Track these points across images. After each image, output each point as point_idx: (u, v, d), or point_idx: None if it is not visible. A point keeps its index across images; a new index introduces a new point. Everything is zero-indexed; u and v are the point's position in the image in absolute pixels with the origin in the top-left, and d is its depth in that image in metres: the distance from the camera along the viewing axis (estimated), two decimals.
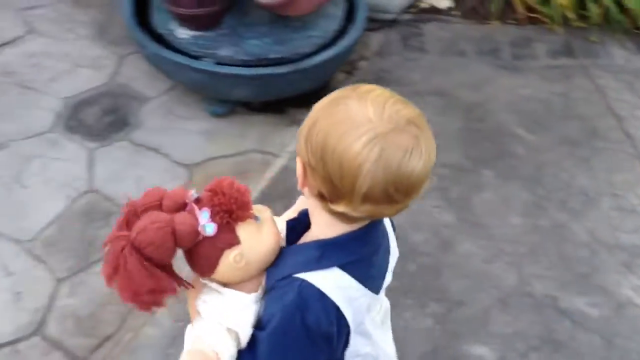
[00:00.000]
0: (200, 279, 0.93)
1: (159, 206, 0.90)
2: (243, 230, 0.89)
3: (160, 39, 2.20)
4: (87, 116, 2.27)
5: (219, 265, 0.89)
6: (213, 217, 0.88)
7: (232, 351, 0.89)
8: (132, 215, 0.88)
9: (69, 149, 2.16)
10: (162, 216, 0.87)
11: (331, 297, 0.86)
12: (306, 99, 2.29)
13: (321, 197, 0.83)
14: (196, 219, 0.88)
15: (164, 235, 0.85)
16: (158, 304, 0.87)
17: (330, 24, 2.22)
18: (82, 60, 2.45)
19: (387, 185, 0.79)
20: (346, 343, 0.92)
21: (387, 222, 0.97)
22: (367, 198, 0.80)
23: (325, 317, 0.86)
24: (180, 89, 2.33)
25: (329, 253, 0.88)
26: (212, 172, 2.07)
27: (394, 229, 1.00)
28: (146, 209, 0.89)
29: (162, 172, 2.10)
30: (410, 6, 2.79)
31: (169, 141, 2.19)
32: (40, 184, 2.03)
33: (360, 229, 0.88)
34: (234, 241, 0.89)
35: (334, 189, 0.81)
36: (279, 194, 2.00)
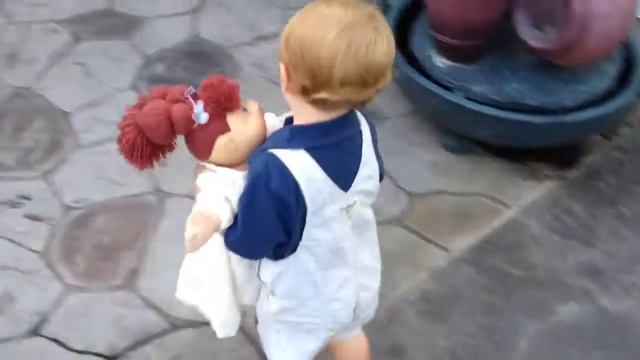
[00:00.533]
0: (200, 162, 1.15)
1: (163, 99, 1.11)
2: (232, 120, 1.11)
3: (413, 62, 2.14)
4: None
5: (214, 149, 1.11)
6: (206, 108, 1.10)
7: (229, 214, 1.09)
8: (142, 103, 1.12)
9: None
10: (162, 104, 1.10)
11: (292, 172, 1.04)
12: (552, 154, 2.15)
13: (304, 90, 1.02)
14: (192, 109, 1.09)
15: (160, 120, 1.08)
16: (146, 167, 1.14)
17: (600, 81, 2.09)
18: None
19: (359, 69, 0.98)
20: (303, 222, 1.10)
21: (368, 132, 1.15)
22: (344, 82, 0.99)
23: (284, 186, 1.05)
24: (419, 115, 2.33)
25: (297, 136, 1.07)
26: (434, 206, 2.10)
27: (380, 159, 1.20)
28: (152, 99, 1.12)
29: (385, 194, 2.07)
30: None
31: (396, 164, 2.21)
32: None
33: (327, 121, 1.06)
34: (225, 128, 1.10)
35: (315, 80, 1.00)
36: (502, 247, 1.94)
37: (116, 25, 2.66)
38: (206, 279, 1.20)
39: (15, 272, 1.83)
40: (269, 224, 1.09)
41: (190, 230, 1.07)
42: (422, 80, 2.11)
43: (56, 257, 1.86)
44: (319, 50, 0.98)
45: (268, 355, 1.35)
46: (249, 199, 1.08)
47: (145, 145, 1.11)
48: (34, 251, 1.87)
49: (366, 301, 1.28)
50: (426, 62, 2.20)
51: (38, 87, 2.39)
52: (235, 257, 1.18)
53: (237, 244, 1.13)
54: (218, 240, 1.14)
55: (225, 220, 1.09)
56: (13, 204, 1.98)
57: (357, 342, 1.44)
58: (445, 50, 2.15)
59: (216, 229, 1.10)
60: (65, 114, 2.28)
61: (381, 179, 1.23)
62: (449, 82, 2.12)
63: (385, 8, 2.50)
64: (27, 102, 2.34)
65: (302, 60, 1.00)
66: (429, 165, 2.24)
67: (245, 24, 2.71)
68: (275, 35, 2.65)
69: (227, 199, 1.09)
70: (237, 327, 1.27)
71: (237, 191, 1.10)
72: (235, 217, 1.11)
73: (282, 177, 1.04)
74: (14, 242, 1.89)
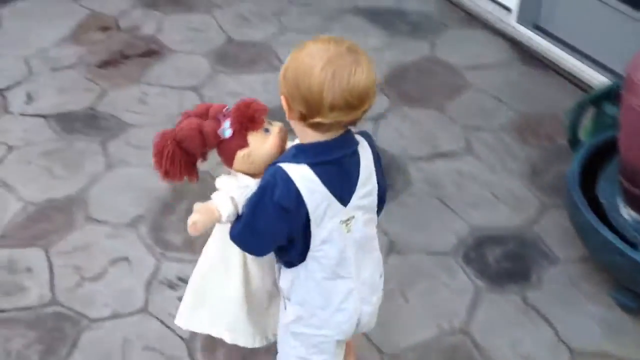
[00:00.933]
0: (227, 168, 1.39)
1: (205, 115, 1.37)
2: (252, 138, 1.34)
3: (596, 207, 1.98)
4: (488, 253, 2.20)
5: (235, 160, 1.35)
6: (232, 126, 1.33)
7: (230, 210, 1.30)
8: (184, 119, 1.39)
9: (459, 280, 2.13)
10: (196, 121, 1.35)
11: (295, 182, 1.23)
12: None
13: (302, 117, 1.22)
14: (219, 126, 1.34)
15: (194, 134, 1.33)
16: (178, 180, 1.39)
17: None
18: (504, 195, 2.42)
19: (343, 94, 1.17)
20: (307, 234, 1.29)
21: (368, 153, 1.33)
22: (332, 107, 1.18)
23: (287, 195, 1.23)
24: (592, 264, 2.12)
25: (301, 153, 1.27)
26: None
27: (378, 159, 1.37)
28: (194, 115, 1.38)
29: (543, 345, 1.95)
30: None
31: (562, 315, 2.06)
32: (420, 303, 2.12)
33: (326, 141, 1.25)
34: (244, 144, 1.33)
35: (309, 107, 1.19)
36: None
37: None
38: (211, 289, 1.49)
39: (157, 354, 1.88)
40: (267, 226, 1.28)
41: (192, 218, 1.30)
42: (605, 231, 1.93)
43: (199, 348, 1.89)
44: (309, 81, 1.18)
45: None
46: (254, 202, 1.29)
47: (182, 156, 1.35)
48: (180, 337, 1.91)
49: (367, 314, 1.45)
50: (611, 211, 2.02)
51: None
52: (259, 273, 1.46)
53: (238, 237, 1.34)
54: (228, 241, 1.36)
55: (225, 215, 1.31)
56: (172, 285, 2.06)
57: (358, 335, 1.61)
58: (636, 202, 1.97)
59: (216, 221, 1.33)
60: None
61: (383, 202, 1.42)
62: (634, 237, 1.94)
63: (573, 142, 2.37)
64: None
65: (297, 90, 1.20)
66: (598, 321, 2.04)
67: (425, 139, 2.70)
68: (453, 154, 2.61)
69: (232, 198, 1.31)
70: (252, 340, 1.54)
71: (247, 194, 1.31)
72: (239, 216, 1.32)
73: (286, 186, 1.24)
74: (163, 323, 1.95)
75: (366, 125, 2.75)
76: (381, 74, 3.01)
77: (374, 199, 1.36)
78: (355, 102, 1.20)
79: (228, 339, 1.54)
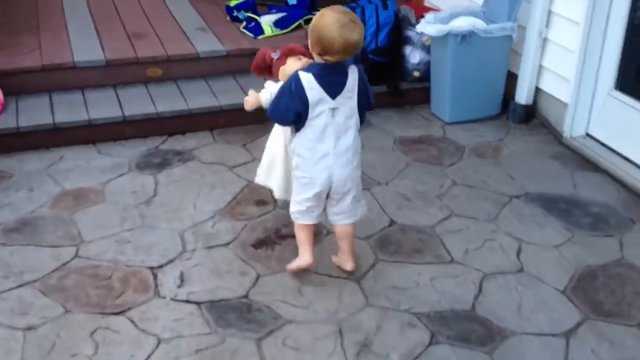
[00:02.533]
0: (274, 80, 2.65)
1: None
2: (289, 61, 2.59)
3: None
4: None
5: (279, 74, 2.61)
6: (280, 54, 2.66)
7: (267, 98, 2.54)
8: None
9: None
10: (267, 50, 2.72)
11: (302, 81, 2.25)
12: None
13: (319, 53, 2.23)
14: (273, 52, 2.70)
15: (263, 56, 2.71)
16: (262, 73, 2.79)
17: None
18: None
19: (345, 45, 2.16)
20: (306, 112, 2.29)
21: (354, 75, 2.32)
22: (337, 52, 2.18)
23: (296, 86, 2.25)
24: None
25: (312, 67, 2.29)
26: None
27: (365, 83, 2.37)
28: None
29: None
30: None
31: None
32: None
33: (325, 63, 2.26)
34: (284, 64, 2.61)
35: (324, 49, 2.19)
36: None
37: (476, 332, 2.41)
38: (273, 160, 2.71)
39: None
40: (284, 104, 2.30)
41: (246, 98, 2.68)
42: None
43: None
44: (325, 35, 2.17)
45: (290, 208, 2.55)
46: (279, 90, 2.35)
47: (258, 67, 2.76)
48: None
49: (339, 176, 2.38)
50: None
51: None
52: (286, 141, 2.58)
53: (270, 112, 2.39)
54: (278, 129, 2.64)
55: (264, 99, 2.58)
56: None
57: (347, 227, 2.55)
58: None
59: (258, 102, 2.63)
60: None
61: (370, 108, 2.45)
62: None
63: None
64: None
65: (318, 40, 2.20)
66: None
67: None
68: None
69: (270, 92, 2.54)
70: (282, 193, 2.76)
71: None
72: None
73: (297, 82, 2.25)
74: None
75: (556, 342, 2.38)
76: (564, 275, 2.65)
77: (353, 102, 2.33)
78: (350, 50, 2.21)
79: (276, 193, 2.80)
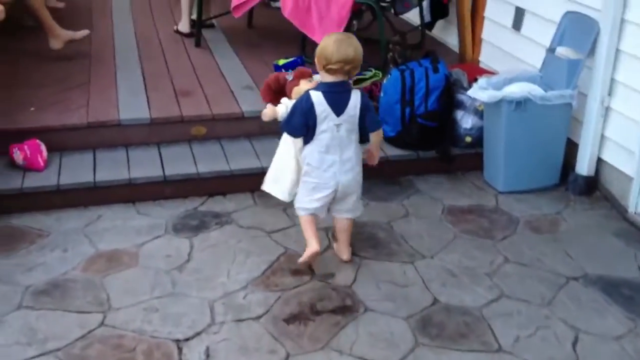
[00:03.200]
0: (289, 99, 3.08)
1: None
2: (302, 82, 3.17)
3: None
4: None
5: (292, 93, 3.12)
6: (293, 76, 3.35)
7: (283, 111, 2.94)
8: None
9: None
10: (280, 74, 3.54)
11: (312, 98, 2.69)
12: None
13: (323, 66, 2.67)
14: (288, 75, 3.43)
15: (277, 78, 3.47)
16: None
17: None
18: None
19: (341, 59, 2.63)
20: (315, 126, 2.71)
21: (357, 96, 2.76)
22: (336, 63, 2.63)
23: (306, 104, 2.69)
24: None
25: (320, 86, 2.74)
26: None
27: (366, 104, 2.80)
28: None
29: None
30: None
31: None
32: None
33: (332, 83, 2.70)
34: (297, 84, 3.17)
35: (326, 61, 2.66)
36: None
37: None
38: (282, 168, 3.02)
39: None
40: (296, 119, 2.75)
41: (264, 111, 3.05)
42: None
43: None
44: (326, 50, 2.65)
45: (296, 204, 2.96)
46: (292, 107, 2.80)
47: (269, 89, 3.54)
48: None
49: (343, 181, 2.82)
50: None
51: None
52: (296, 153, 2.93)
53: (284, 126, 2.84)
54: (290, 143, 2.93)
55: (280, 113, 2.96)
56: None
57: (348, 221, 2.97)
58: None
59: (275, 115, 2.99)
60: None
61: (374, 127, 2.88)
62: None
63: None
64: None
65: (320, 54, 2.67)
66: None
67: None
68: None
69: (286, 107, 2.93)
70: (288, 197, 3.05)
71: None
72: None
73: (307, 100, 2.69)
74: None
75: None
76: None
77: (355, 119, 2.76)
78: (348, 61, 2.65)
79: (280, 196, 3.09)
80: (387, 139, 3.81)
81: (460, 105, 3.76)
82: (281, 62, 4.35)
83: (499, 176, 3.62)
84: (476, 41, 4.51)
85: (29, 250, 3.04)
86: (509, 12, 4.15)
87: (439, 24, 4.97)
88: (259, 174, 3.57)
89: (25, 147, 3.41)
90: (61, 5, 5.39)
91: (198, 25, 4.91)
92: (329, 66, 2.65)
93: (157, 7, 5.91)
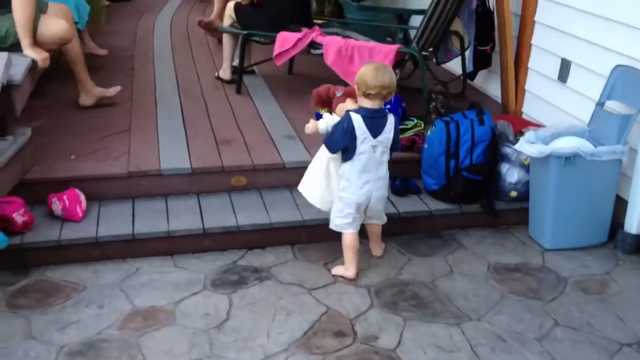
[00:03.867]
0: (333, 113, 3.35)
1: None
2: (348, 100, 3.29)
3: None
4: None
5: (337, 108, 3.37)
6: (342, 93, 3.85)
7: (324, 127, 3.09)
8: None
9: None
10: (330, 87, 4.03)
11: (352, 120, 2.97)
12: None
13: (363, 93, 2.98)
14: (336, 90, 3.92)
15: (328, 89, 3.99)
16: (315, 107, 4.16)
17: None
18: None
19: (379, 84, 2.94)
20: (354, 146, 3.00)
21: (392, 121, 3.07)
22: (375, 88, 2.94)
23: (347, 125, 2.97)
24: None
25: (360, 110, 3.01)
26: None
27: (397, 129, 3.12)
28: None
29: None
30: None
31: None
32: None
33: (372, 109, 3.00)
34: (343, 102, 3.35)
35: (365, 87, 2.96)
36: None
37: None
38: (314, 174, 3.23)
39: None
40: (337, 137, 3.01)
41: (307, 125, 3.21)
42: None
43: None
44: (365, 77, 2.95)
45: (331, 218, 3.23)
46: (335, 125, 3.04)
47: (319, 97, 4.07)
48: None
49: (376, 197, 3.14)
50: None
51: None
52: (335, 168, 3.16)
53: (326, 142, 3.08)
54: (325, 155, 3.15)
55: (321, 127, 3.10)
56: None
57: (377, 225, 3.34)
58: None
59: (316, 129, 3.13)
60: None
61: (397, 149, 3.18)
62: None
63: None
64: None
65: (360, 80, 2.97)
66: None
67: None
68: None
69: (327, 122, 3.08)
70: (326, 206, 3.23)
71: (335, 122, 3.07)
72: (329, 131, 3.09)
73: (349, 121, 2.96)
74: None
75: None
76: None
77: (389, 142, 3.07)
78: (385, 87, 2.96)
79: (314, 203, 3.28)
80: (430, 192, 3.71)
81: (505, 158, 3.65)
82: (323, 111, 4.30)
83: (546, 233, 3.48)
84: (519, 92, 4.41)
85: (64, 305, 2.98)
86: (554, 64, 4.05)
87: (481, 73, 4.88)
88: (299, 227, 3.52)
89: (65, 197, 3.39)
90: (104, 52, 5.43)
91: (239, 72, 4.90)
92: (369, 91, 2.96)
93: (198, 53, 5.94)
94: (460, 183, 3.60)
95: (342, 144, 3.03)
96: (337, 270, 3.25)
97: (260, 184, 3.81)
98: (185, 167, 3.71)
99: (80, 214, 3.39)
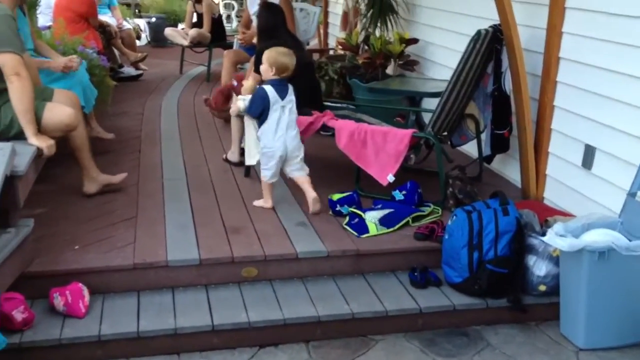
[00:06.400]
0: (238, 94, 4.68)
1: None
2: (250, 79, 4.58)
3: None
4: None
5: (243, 90, 4.44)
6: (236, 80, 5.12)
7: (242, 105, 4.17)
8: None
9: None
10: (226, 85, 5.96)
11: (265, 89, 4.01)
12: None
13: (272, 69, 4.04)
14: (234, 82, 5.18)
15: (226, 88, 5.72)
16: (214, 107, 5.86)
17: None
18: None
19: (282, 65, 4.03)
20: (268, 107, 4.01)
21: (291, 88, 4.11)
22: (278, 69, 4.03)
23: (263, 92, 4.01)
24: None
25: (268, 82, 4.07)
26: None
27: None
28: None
29: None
30: None
31: None
32: None
33: (277, 79, 4.05)
34: (241, 85, 4.57)
35: (275, 67, 4.04)
36: None
37: None
38: (249, 143, 4.30)
39: None
40: (258, 104, 4.02)
41: (232, 109, 4.62)
42: None
43: None
44: (277, 60, 4.01)
45: (261, 172, 4.19)
46: (253, 97, 4.08)
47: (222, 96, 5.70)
48: None
49: (292, 145, 4.06)
50: None
51: None
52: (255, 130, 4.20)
53: (249, 111, 4.10)
54: (252, 128, 4.22)
55: (242, 106, 4.17)
56: None
57: (303, 177, 4.17)
58: None
59: (239, 109, 4.24)
60: None
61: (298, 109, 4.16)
62: None
63: None
64: None
65: (273, 63, 4.02)
66: None
67: None
68: None
69: (243, 100, 4.18)
70: (255, 161, 4.30)
71: (249, 97, 4.16)
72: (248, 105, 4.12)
73: (263, 90, 3.99)
74: None
75: None
76: None
77: (293, 103, 4.06)
78: (286, 69, 4.02)
79: (254, 163, 4.34)
80: (453, 286, 3.52)
81: (532, 250, 3.47)
82: (335, 197, 4.16)
83: (579, 331, 3.27)
84: (540, 177, 4.28)
85: None
86: (577, 150, 3.94)
87: (499, 156, 4.77)
88: (314, 323, 3.32)
89: (67, 292, 3.20)
90: (110, 136, 5.34)
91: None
92: (276, 68, 4.03)
93: (206, 135, 5.85)
94: (484, 276, 3.41)
95: (261, 107, 4.02)
96: (258, 202, 4.24)
97: (272, 275, 3.63)
98: (193, 258, 3.53)
99: (83, 310, 3.19)
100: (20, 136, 3.58)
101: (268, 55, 4.01)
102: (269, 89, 3.99)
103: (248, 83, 4.38)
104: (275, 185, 4.29)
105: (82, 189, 4.25)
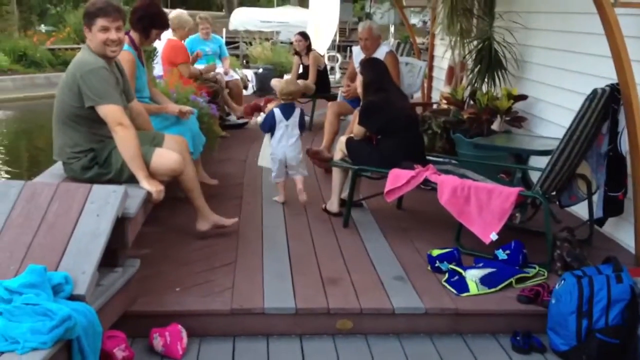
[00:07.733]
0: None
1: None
2: (269, 104, 6.07)
3: None
4: None
5: (266, 109, 5.82)
6: (265, 102, 6.70)
7: (260, 119, 5.51)
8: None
9: None
10: (257, 102, 7.08)
11: (274, 111, 5.20)
12: None
13: (281, 96, 5.31)
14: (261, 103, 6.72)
15: (259, 103, 6.80)
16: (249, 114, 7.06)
17: None
18: None
19: (287, 92, 5.23)
20: (275, 125, 5.17)
21: (298, 111, 5.23)
22: (286, 94, 5.20)
23: (271, 114, 5.20)
24: None
25: (279, 106, 5.26)
26: None
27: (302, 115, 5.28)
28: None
29: None
30: None
31: None
32: None
33: (285, 104, 5.21)
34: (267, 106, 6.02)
35: (282, 94, 5.31)
36: None
37: None
38: (264, 149, 5.44)
39: None
40: (266, 123, 5.21)
41: (253, 120, 6.66)
42: None
43: None
44: (282, 89, 5.28)
45: (273, 177, 5.38)
46: (265, 117, 5.27)
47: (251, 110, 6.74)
48: None
49: (290, 156, 5.17)
50: None
51: None
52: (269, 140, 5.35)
53: (261, 127, 5.30)
54: (268, 136, 5.34)
55: (259, 120, 5.45)
56: None
57: (299, 178, 5.24)
58: None
59: (257, 122, 5.63)
60: None
61: (303, 127, 5.25)
62: None
63: None
64: None
65: (280, 91, 5.28)
66: None
67: None
68: None
69: (261, 117, 5.41)
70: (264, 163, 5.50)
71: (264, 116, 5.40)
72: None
73: (272, 112, 5.18)
74: None
75: None
76: None
77: (296, 124, 5.16)
78: (290, 93, 5.21)
79: (267, 165, 5.43)
80: (559, 354, 3.35)
81: None
82: (435, 252, 4.09)
83: None
84: None
85: None
86: None
87: (611, 220, 4.56)
88: None
89: (167, 333, 3.29)
90: (214, 182, 5.53)
91: (348, 206, 4.83)
92: (283, 96, 5.15)
93: (306, 183, 5.92)
94: (593, 346, 3.23)
95: (268, 125, 5.15)
96: (276, 198, 5.38)
97: (367, 329, 3.59)
98: (289, 306, 3.56)
99: (180, 352, 3.27)
100: (132, 179, 3.77)
101: (279, 86, 5.37)
102: (276, 111, 5.14)
103: (270, 106, 5.65)
104: (371, 240, 4.25)
105: (196, 226, 4.43)
